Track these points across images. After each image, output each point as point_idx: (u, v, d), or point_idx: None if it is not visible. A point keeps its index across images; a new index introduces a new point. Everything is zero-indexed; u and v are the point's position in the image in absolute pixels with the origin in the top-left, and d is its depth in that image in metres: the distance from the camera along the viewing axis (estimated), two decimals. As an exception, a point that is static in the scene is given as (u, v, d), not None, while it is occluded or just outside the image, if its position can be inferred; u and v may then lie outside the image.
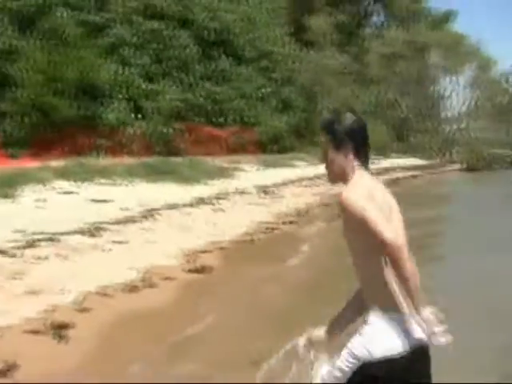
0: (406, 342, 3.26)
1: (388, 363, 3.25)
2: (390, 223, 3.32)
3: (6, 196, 12.96)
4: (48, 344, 6.43)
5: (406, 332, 3.28)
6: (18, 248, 9.56)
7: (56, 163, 17.51)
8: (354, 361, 3.27)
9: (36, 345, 6.38)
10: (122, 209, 13.53)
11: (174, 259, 9.99)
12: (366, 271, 3.39)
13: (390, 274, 3.27)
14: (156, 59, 31.29)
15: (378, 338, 3.27)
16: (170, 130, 28.60)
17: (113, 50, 30.08)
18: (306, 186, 21.96)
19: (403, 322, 3.30)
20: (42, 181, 14.46)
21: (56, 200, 13.28)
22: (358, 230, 3.31)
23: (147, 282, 8.61)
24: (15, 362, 5.86)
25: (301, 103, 38.75)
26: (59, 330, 6.64)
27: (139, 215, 13.10)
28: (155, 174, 18.33)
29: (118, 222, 12.18)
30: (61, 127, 25.01)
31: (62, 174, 15.45)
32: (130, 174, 17.87)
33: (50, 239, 10.17)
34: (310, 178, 24.00)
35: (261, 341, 6.19)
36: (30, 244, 9.83)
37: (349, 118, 3.61)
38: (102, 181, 16.09)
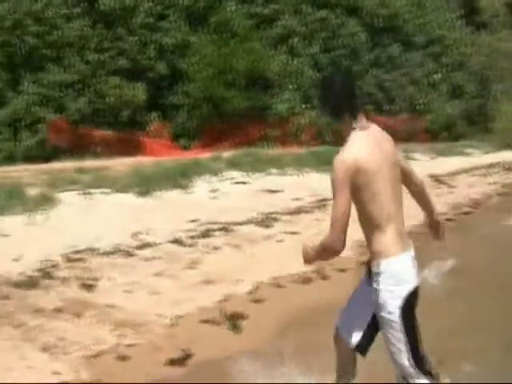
0: (415, 275, 3.86)
1: (411, 297, 3.82)
2: (393, 177, 3.83)
3: (180, 186, 13.23)
4: (223, 334, 6.42)
5: (412, 267, 3.86)
6: (193, 238, 9.69)
7: (227, 154, 17.73)
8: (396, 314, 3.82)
9: (211, 334, 6.39)
10: (293, 199, 13.46)
11: (348, 250, 9.74)
12: (362, 227, 3.88)
13: (377, 229, 3.80)
14: (325, 48, 31.11)
15: (397, 282, 3.80)
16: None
17: (282, 40, 30.20)
18: (480, 175, 21.00)
19: (407, 260, 3.86)
20: (214, 171, 14.64)
21: (228, 190, 13.40)
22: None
23: (320, 273, 8.45)
24: (191, 350, 5.88)
25: (473, 88, 37.35)
26: (234, 320, 6.63)
27: (310, 205, 12.97)
28: (325, 163, 18.07)
29: (289, 213, 12.11)
30: (231, 118, 25.44)
31: (234, 165, 15.58)
32: (300, 163, 17.77)
33: (224, 229, 10.26)
34: (484, 167, 23.00)
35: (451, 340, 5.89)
36: (205, 234, 9.95)
37: (339, 90, 3.85)
38: (273, 171, 16.08)
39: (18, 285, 7.68)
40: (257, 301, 7.28)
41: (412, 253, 3.91)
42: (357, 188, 3.73)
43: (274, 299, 7.39)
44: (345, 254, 9.52)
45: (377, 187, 3.75)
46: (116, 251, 8.71)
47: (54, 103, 24.35)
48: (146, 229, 9.83)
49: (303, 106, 28.40)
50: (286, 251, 9.50)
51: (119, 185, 12.76)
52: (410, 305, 3.85)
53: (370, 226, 3.82)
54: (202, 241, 9.55)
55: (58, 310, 6.75)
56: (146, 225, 10.17)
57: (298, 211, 12.38)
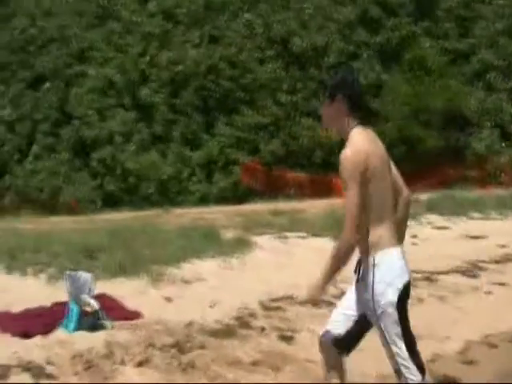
0: (408, 269, 4.11)
1: (405, 286, 4.06)
2: (390, 174, 4.11)
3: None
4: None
5: (404, 261, 4.10)
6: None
7: (424, 196, 16.98)
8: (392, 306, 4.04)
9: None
10: (498, 246, 12.54)
11: None
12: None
13: (376, 221, 3.97)
14: (524, 83, 29.66)
15: (392, 273, 4.01)
16: (540, 159, 26.86)
17: (478, 75, 29.10)
18: None
19: (402, 253, 4.13)
20: (412, 215, 13.85)
21: (428, 235, 12.62)
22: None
23: (537, 331, 7.64)
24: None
25: None
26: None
27: (518, 253, 12.04)
28: (529, 206, 17.00)
29: (496, 261, 11.25)
30: (427, 159, 24.63)
31: (432, 208, 14.80)
32: (503, 206, 16.71)
33: (427, 279, 9.62)
34: None
35: None
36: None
37: (339, 74, 4.14)
38: (474, 215, 15.17)
39: (214, 333, 7.48)
40: (468, 362, 6.61)
41: (403, 248, 4.21)
42: (365, 180, 3.91)
43: (487, 361, 6.69)
44: None
45: (381, 180, 3.98)
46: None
47: (247, 145, 24.74)
48: (344, 276, 9.36)
49: (502, 144, 27.12)
50: (495, 305, 8.76)
51: (315, 228, 12.42)
52: (404, 298, 4.07)
53: (372, 218, 3.97)
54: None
55: (256, 363, 6.45)
56: (343, 272, 9.75)
57: (505, 259, 11.49)
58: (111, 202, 23.14)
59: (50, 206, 22.77)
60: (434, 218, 13.99)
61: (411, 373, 4.08)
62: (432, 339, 7.10)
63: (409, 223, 13.27)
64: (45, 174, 24.30)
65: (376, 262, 4.04)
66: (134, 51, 26.95)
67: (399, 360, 4.10)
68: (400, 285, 4.03)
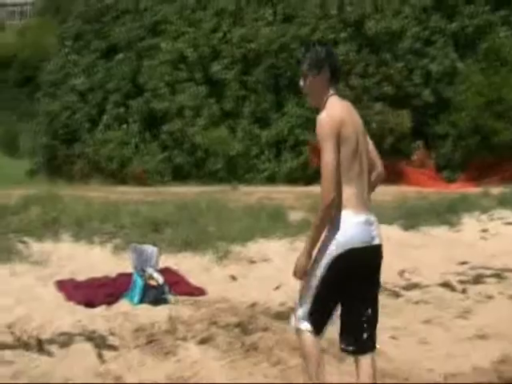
0: (366, 237, 4.11)
1: (352, 253, 4.06)
2: (361, 145, 4.20)
3: (447, 223, 12.32)
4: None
5: (365, 229, 4.12)
6: (463, 282, 8.88)
7: (496, 190, 16.47)
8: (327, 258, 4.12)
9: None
10: None
11: None
12: None
13: (348, 181, 4.10)
14: None
15: (343, 233, 4.06)
16: None
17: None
18: None
19: (361, 219, 4.11)
20: (483, 209, 13.49)
21: (499, 231, 12.12)
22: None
23: None
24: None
25: None
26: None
27: None
28: None
29: None
30: (500, 152, 23.98)
31: (504, 203, 14.31)
32: None
33: (497, 275, 9.27)
34: None
35: None
36: (476, 279, 9.08)
37: (321, 48, 4.30)
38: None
39: (278, 316, 7.41)
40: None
41: (371, 217, 4.19)
42: (340, 141, 4.06)
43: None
44: None
45: (350, 148, 4.09)
46: (382, 290, 8.15)
47: (316, 126, 24.53)
48: (413, 267, 9.17)
49: None
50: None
51: (384, 216, 12.17)
52: (346, 265, 4.09)
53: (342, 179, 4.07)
54: (473, 287, 8.70)
55: (319, 350, 6.31)
56: (412, 262, 9.53)
57: None
58: (179, 175, 23.27)
59: (119, 176, 23.02)
60: (506, 213, 13.46)
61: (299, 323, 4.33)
62: (501, 339, 6.84)
63: (480, 217, 12.93)
64: (115, 143, 24.54)
65: (335, 219, 4.11)
66: (206, 27, 26.89)
67: (297, 311, 4.39)
68: (347, 247, 4.07)
